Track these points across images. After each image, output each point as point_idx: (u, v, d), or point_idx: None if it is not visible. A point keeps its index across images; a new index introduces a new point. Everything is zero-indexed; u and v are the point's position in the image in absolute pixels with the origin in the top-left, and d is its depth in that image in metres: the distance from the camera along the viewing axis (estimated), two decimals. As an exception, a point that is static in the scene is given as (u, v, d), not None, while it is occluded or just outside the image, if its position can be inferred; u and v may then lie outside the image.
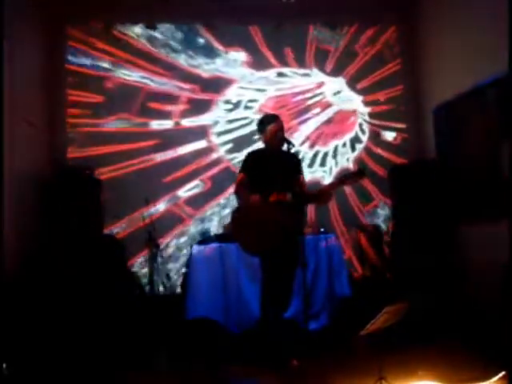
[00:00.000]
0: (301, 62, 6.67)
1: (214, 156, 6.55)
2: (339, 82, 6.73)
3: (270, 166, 4.25)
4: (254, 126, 5.51)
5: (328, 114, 6.70)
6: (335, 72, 6.70)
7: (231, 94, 6.64)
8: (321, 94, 6.73)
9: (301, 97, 6.73)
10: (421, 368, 3.64)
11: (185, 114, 6.47)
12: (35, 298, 4.63)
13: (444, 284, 5.09)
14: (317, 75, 6.73)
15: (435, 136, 6.00)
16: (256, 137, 5.49)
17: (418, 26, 6.49)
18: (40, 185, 5.41)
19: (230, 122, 6.64)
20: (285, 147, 4.19)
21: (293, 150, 4.16)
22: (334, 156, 6.66)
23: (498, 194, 4.70)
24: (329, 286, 5.34)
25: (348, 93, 6.72)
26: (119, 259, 5.36)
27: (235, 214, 4.31)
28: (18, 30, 5.11)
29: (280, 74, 6.70)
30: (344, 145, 6.69)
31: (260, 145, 4.62)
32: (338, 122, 6.71)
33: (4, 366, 3.29)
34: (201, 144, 6.51)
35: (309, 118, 6.68)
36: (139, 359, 4.46)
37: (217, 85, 6.58)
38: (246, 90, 6.67)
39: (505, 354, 3.21)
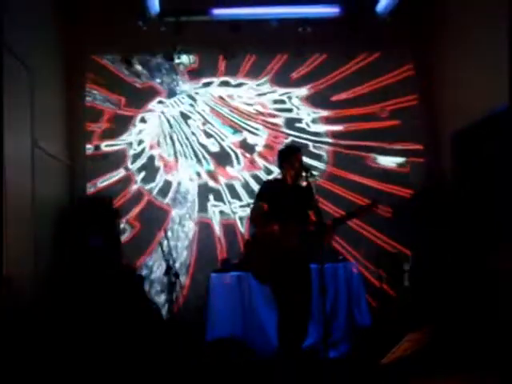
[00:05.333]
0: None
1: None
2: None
3: (285, 197, 4.22)
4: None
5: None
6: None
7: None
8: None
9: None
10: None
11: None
12: (53, 326, 4.65)
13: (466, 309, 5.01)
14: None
15: (452, 161, 5.98)
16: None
17: (433, 53, 6.52)
18: (59, 213, 5.49)
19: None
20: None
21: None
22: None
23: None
24: (348, 314, 5.31)
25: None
26: (138, 288, 5.36)
27: (249, 242, 4.31)
28: (41, 60, 5.26)
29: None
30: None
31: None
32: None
33: None
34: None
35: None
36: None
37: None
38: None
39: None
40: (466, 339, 3.71)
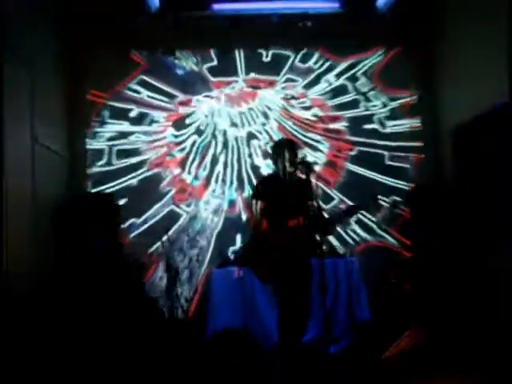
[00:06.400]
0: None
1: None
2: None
3: (282, 192, 4.19)
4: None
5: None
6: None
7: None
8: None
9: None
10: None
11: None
12: (52, 324, 4.65)
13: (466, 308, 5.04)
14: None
15: (452, 157, 5.98)
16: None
17: (434, 50, 6.49)
18: (60, 210, 5.47)
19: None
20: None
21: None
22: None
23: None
24: (348, 310, 5.34)
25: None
26: (138, 284, 5.38)
27: (248, 241, 4.33)
28: (41, 58, 5.24)
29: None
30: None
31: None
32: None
33: None
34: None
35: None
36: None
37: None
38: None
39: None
40: (465, 339, 3.74)
